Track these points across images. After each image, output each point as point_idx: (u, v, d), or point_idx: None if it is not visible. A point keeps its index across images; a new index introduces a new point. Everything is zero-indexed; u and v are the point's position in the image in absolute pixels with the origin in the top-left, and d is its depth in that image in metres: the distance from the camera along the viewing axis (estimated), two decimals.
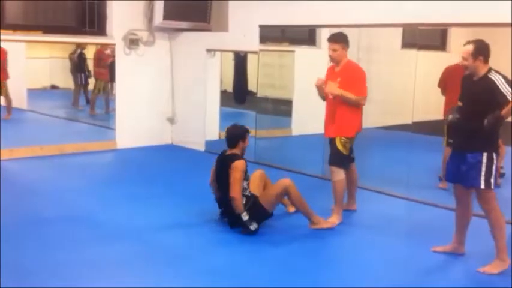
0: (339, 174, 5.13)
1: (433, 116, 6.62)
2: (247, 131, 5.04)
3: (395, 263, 4.32)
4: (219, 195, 5.03)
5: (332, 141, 5.16)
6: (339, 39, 5.09)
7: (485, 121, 3.91)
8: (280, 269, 4.10)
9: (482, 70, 4.03)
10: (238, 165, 4.77)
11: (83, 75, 9.56)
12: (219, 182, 4.96)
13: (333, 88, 5.02)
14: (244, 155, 4.99)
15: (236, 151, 4.94)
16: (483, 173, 4.01)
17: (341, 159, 5.13)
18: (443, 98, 6.32)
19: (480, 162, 4.01)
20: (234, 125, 5.10)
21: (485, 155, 4.00)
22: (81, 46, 9.14)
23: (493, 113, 3.89)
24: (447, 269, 4.27)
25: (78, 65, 9.47)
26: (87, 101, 9.78)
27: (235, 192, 4.71)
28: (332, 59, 5.16)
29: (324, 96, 5.24)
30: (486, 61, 4.03)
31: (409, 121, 6.35)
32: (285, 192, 4.90)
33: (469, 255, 4.40)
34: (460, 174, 4.15)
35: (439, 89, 6.41)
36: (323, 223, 4.98)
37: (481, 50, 4.01)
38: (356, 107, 5.07)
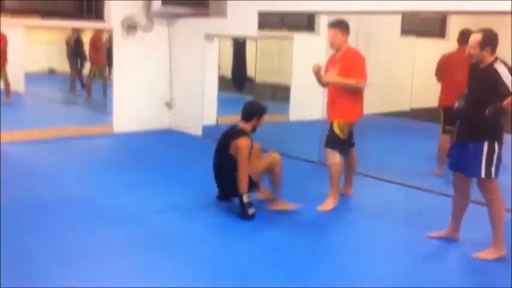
0: (334, 158, 5.13)
1: (431, 103, 6.62)
2: (264, 111, 5.03)
3: (391, 248, 4.33)
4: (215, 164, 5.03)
5: (331, 125, 5.17)
6: (339, 26, 5.09)
7: (487, 111, 3.90)
8: (278, 255, 4.10)
9: (488, 59, 4.00)
10: (243, 144, 4.72)
11: (79, 60, 9.51)
12: (218, 150, 4.97)
13: (331, 76, 5.04)
14: None
15: (248, 126, 4.94)
16: (484, 162, 4.00)
17: (337, 142, 5.12)
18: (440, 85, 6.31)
19: (481, 151, 3.99)
20: (254, 101, 5.18)
21: (486, 143, 3.99)
22: (77, 31, 9.09)
23: (494, 104, 3.88)
24: (443, 254, 4.29)
25: (74, 50, 9.43)
26: (82, 86, 9.75)
27: (243, 172, 4.71)
28: (332, 44, 5.15)
29: (322, 82, 5.24)
30: (493, 51, 4.00)
31: (407, 108, 6.36)
32: (272, 166, 4.93)
33: (463, 242, 4.42)
34: (461, 163, 4.15)
35: (434, 76, 6.40)
36: (286, 205, 5.05)
37: (489, 40, 3.98)
38: (357, 92, 5.06)
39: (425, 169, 6.59)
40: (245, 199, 4.73)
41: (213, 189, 5.13)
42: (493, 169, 4.02)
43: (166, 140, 8.11)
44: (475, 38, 4.01)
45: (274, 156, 4.98)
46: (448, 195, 5.05)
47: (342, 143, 5.17)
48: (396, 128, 7.22)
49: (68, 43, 9.43)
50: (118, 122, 8.24)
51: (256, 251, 4.16)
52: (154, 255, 4.01)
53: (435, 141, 6.38)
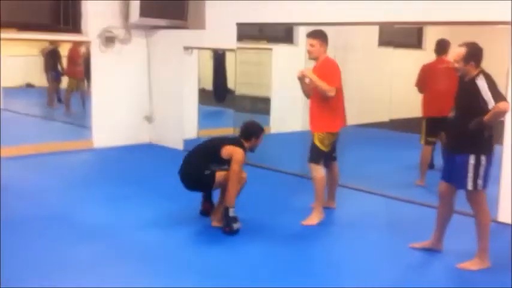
0: (318, 172, 5.12)
1: (410, 113, 6.67)
2: (262, 131, 5.06)
3: (374, 260, 4.35)
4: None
5: (313, 137, 5.14)
6: (317, 36, 5.08)
7: (470, 124, 3.94)
8: (261, 268, 4.10)
9: (472, 73, 4.02)
10: (240, 157, 4.72)
11: (54, 73, 9.36)
12: (204, 148, 4.99)
13: (307, 71, 5.02)
14: None
15: (246, 144, 4.94)
16: (470, 174, 4.03)
17: (318, 155, 5.11)
18: (420, 96, 6.38)
19: (467, 163, 4.02)
20: (252, 121, 5.18)
21: (472, 156, 4.01)
22: (55, 43, 8.96)
23: (477, 118, 3.91)
24: (427, 265, 4.31)
25: (51, 63, 9.27)
26: (59, 100, 9.61)
27: (233, 186, 4.68)
28: (309, 54, 5.11)
29: (307, 91, 5.20)
30: (478, 65, 4.01)
31: (386, 119, 6.42)
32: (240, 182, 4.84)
33: (446, 252, 4.45)
34: (451, 174, 4.19)
35: (415, 86, 6.47)
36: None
37: (473, 55, 4.00)
38: (325, 98, 4.97)
39: (406, 179, 6.61)
40: (231, 213, 4.69)
41: (196, 203, 5.11)
42: (480, 181, 4.04)
43: (146, 154, 8.05)
44: (459, 52, 4.02)
45: (243, 176, 4.88)
46: (430, 206, 5.12)
47: (323, 154, 5.15)
48: (376, 139, 7.27)
49: (43, 55, 9.26)
50: (97, 136, 8.15)
51: (239, 264, 4.15)
52: (137, 269, 3.99)
53: (415, 151, 6.43)
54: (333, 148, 5.27)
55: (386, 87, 6.30)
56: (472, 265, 4.16)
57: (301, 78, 5.11)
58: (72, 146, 8.00)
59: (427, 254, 4.44)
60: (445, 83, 5.75)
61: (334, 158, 5.38)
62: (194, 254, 4.35)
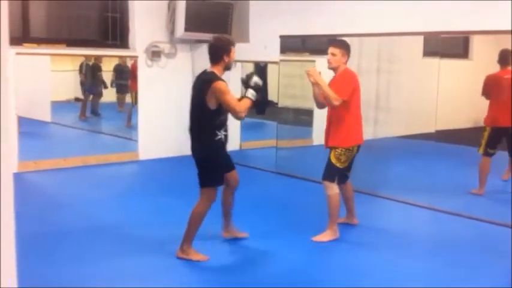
0: (332, 189, 4.89)
1: (456, 124, 6.52)
2: (232, 43, 4.44)
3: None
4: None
5: (328, 153, 4.94)
6: (339, 45, 4.93)
7: None
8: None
9: None
10: (221, 86, 4.23)
11: (86, 87, 9.46)
12: (192, 104, 4.64)
13: (315, 73, 4.82)
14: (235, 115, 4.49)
15: (218, 68, 4.40)
16: None
17: (333, 172, 4.89)
18: (466, 107, 6.27)
19: None
20: (216, 36, 4.56)
21: None
22: (88, 58, 9.03)
23: None
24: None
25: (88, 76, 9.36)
26: (93, 112, 9.73)
27: (234, 107, 4.28)
28: (329, 63, 4.91)
29: (317, 98, 5.04)
30: None
31: (432, 130, 6.30)
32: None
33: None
34: None
35: (462, 97, 6.37)
36: (193, 255, 4.47)
37: None
38: (330, 104, 4.82)
39: (452, 191, 6.42)
40: (252, 96, 4.42)
41: (243, 215, 5.09)
42: None
43: (190, 166, 8.09)
44: None
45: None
46: (476, 219, 5.00)
47: (338, 171, 4.92)
48: (422, 151, 7.15)
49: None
50: (143, 149, 8.31)
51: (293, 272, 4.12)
52: (185, 281, 4.03)
53: (463, 162, 6.28)
54: (349, 166, 5.04)
55: (432, 98, 6.18)
56: None
57: (312, 82, 4.87)
58: (118, 157, 8.18)
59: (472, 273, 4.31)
60: (508, 94, 5.70)
61: (347, 177, 5.16)
62: (241, 266, 4.39)
